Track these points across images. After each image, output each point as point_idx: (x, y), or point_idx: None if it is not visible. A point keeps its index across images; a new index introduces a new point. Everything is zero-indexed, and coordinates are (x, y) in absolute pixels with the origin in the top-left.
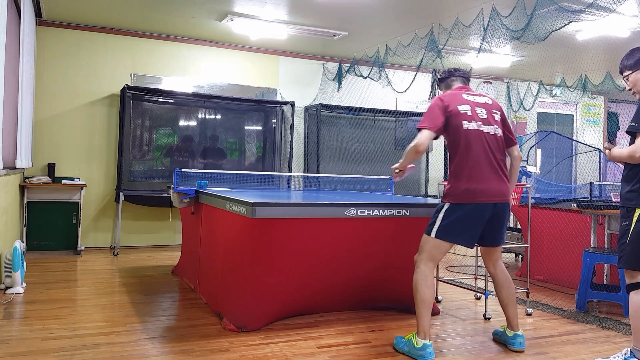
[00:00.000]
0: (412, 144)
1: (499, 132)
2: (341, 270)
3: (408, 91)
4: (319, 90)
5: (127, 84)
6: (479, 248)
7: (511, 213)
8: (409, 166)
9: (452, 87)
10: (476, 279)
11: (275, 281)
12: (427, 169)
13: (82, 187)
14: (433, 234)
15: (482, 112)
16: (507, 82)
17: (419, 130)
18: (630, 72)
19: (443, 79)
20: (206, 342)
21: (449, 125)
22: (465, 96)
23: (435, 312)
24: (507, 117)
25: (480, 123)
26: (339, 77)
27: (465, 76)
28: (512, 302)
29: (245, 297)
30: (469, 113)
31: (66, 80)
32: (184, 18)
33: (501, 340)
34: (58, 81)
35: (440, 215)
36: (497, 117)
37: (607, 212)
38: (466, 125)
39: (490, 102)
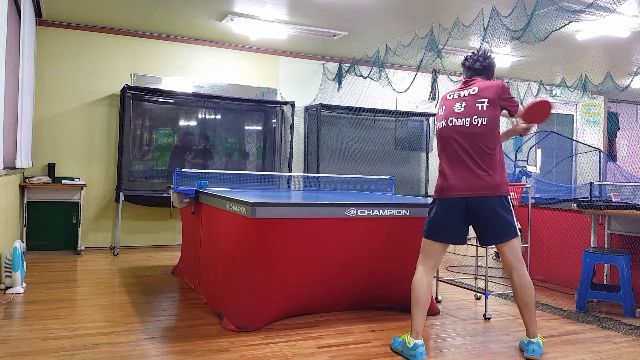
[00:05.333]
0: None
1: (481, 120)
2: (341, 270)
3: (408, 91)
4: (319, 90)
5: (127, 84)
6: (479, 248)
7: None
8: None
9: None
10: (476, 279)
11: (275, 281)
12: (427, 168)
13: (82, 187)
14: (422, 233)
15: (460, 106)
16: (507, 82)
17: None
18: None
19: (468, 68)
20: (206, 342)
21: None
22: (449, 95)
23: (435, 312)
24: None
25: (451, 118)
26: (339, 77)
27: (472, 68)
28: (527, 308)
29: (245, 297)
30: (442, 113)
31: (66, 80)
32: (184, 18)
33: (521, 347)
34: (58, 81)
35: (428, 212)
36: (483, 105)
37: (607, 212)
38: (438, 125)
39: (475, 91)
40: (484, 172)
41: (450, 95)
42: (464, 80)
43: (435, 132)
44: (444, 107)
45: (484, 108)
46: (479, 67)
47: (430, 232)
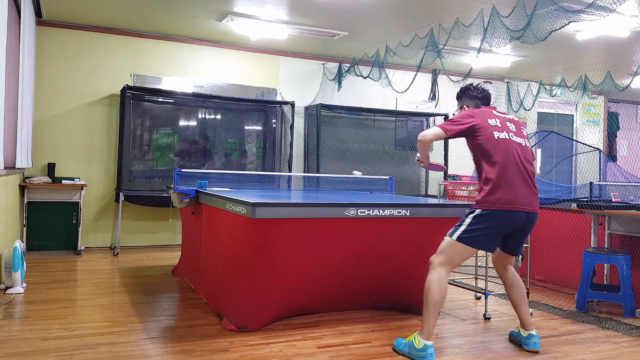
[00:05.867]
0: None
1: (529, 145)
2: (341, 270)
3: (408, 91)
4: (319, 90)
5: (127, 84)
6: (480, 250)
7: None
8: (436, 164)
9: (479, 107)
10: (476, 279)
11: (275, 281)
12: (427, 168)
13: (82, 187)
14: (455, 237)
15: (512, 126)
16: (507, 82)
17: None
18: None
19: (474, 98)
20: (206, 342)
21: (479, 136)
22: (495, 112)
23: None
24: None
25: (512, 134)
26: (339, 77)
27: (488, 97)
28: (524, 302)
29: (245, 297)
30: (499, 125)
31: (66, 80)
32: (184, 18)
33: (516, 340)
34: (58, 81)
35: (468, 221)
36: (525, 132)
37: (607, 212)
38: (497, 134)
39: (517, 119)
40: (536, 190)
41: (496, 112)
42: (490, 106)
43: (487, 141)
44: (497, 120)
45: (526, 135)
46: (489, 95)
47: (475, 241)
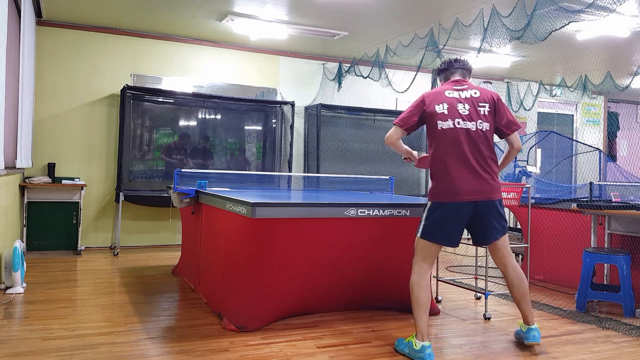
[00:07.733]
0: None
1: (485, 126)
2: (341, 270)
3: (408, 91)
4: (319, 90)
5: (127, 84)
6: (479, 248)
7: (510, 212)
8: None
9: (449, 79)
10: (476, 279)
11: (275, 281)
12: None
13: (82, 187)
14: (419, 234)
15: (463, 108)
16: (507, 82)
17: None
18: None
19: (443, 71)
20: (206, 342)
21: (427, 125)
22: (448, 93)
23: (435, 312)
24: None
25: (459, 120)
26: (339, 77)
27: (465, 67)
28: (525, 299)
29: (245, 297)
30: (446, 112)
31: (66, 80)
32: (184, 18)
33: (519, 337)
34: (58, 81)
35: (424, 215)
36: (484, 110)
37: (607, 212)
38: (440, 124)
39: (477, 94)
40: (489, 176)
41: (448, 93)
42: (454, 80)
43: (432, 130)
44: (445, 105)
45: (486, 113)
46: (469, 67)
47: (430, 235)
